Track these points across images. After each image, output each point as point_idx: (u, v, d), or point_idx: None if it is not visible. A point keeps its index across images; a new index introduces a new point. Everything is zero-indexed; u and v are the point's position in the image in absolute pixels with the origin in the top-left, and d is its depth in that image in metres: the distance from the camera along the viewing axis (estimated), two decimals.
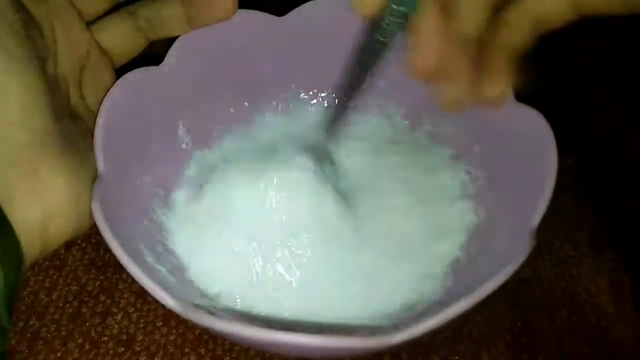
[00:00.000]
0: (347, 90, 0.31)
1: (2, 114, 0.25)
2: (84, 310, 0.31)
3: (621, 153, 0.36)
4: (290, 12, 0.34)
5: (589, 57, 0.39)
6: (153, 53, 0.33)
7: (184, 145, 0.34)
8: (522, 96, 0.29)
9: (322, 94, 0.36)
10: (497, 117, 0.30)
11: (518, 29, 0.27)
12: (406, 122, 0.36)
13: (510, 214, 0.28)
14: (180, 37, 0.32)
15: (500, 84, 0.27)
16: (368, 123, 0.36)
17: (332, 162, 0.33)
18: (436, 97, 0.28)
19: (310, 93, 0.36)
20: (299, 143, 0.33)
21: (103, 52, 0.31)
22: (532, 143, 0.28)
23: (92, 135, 0.28)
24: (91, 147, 0.28)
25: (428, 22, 0.26)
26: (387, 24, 0.27)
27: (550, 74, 0.40)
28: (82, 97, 0.30)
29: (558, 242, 0.34)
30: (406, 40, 0.27)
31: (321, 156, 0.33)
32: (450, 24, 0.26)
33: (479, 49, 0.27)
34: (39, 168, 0.25)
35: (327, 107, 0.36)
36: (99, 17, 0.31)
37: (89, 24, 0.30)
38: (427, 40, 0.26)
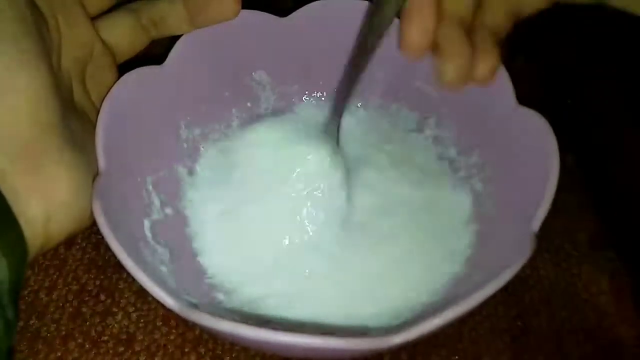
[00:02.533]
0: (347, 81, 0.31)
1: (11, 107, 0.25)
2: (84, 309, 0.31)
3: (621, 153, 0.36)
4: (293, 13, 0.34)
5: (590, 57, 0.39)
6: (155, 53, 0.33)
7: (185, 145, 0.33)
8: (523, 97, 0.29)
9: (325, 95, 0.36)
10: (498, 119, 0.30)
11: (498, 14, 0.29)
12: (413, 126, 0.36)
13: (511, 217, 0.28)
14: (184, 36, 0.32)
15: (490, 62, 0.28)
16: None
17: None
18: (435, 75, 0.28)
19: (313, 93, 0.36)
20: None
21: (106, 47, 0.30)
22: (534, 146, 0.28)
23: (95, 131, 0.28)
24: (94, 143, 0.27)
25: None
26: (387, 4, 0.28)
27: (550, 73, 0.41)
28: (86, 92, 0.30)
29: (558, 242, 0.34)
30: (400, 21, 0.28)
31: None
32: (442, 3, 0.28)
33: (469, 30, 0.28)
34: (44, 162, 0.25)
35: (329, 104, 0.36)
36: (102, 14, 0.31)
37: (92, 19, 0.30)
38: (419, 15, 0.27)
